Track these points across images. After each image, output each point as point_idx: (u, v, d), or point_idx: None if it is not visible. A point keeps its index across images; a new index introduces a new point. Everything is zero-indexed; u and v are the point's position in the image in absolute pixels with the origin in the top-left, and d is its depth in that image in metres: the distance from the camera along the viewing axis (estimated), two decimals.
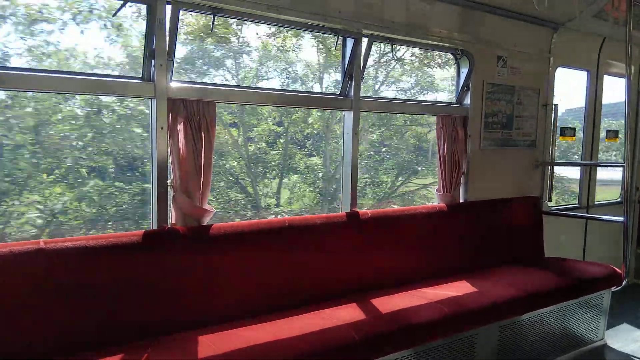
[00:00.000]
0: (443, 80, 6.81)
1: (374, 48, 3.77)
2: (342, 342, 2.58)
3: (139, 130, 4.36)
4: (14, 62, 3.52)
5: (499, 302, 3.28)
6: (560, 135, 5.12)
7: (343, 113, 3.77)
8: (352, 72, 3.63)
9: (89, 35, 3.75)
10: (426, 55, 6.24)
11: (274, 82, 6.18)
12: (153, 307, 2.67)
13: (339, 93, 3.73)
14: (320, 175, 6.58)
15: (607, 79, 5.51)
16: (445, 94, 7.04)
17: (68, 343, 2.42)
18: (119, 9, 2.75)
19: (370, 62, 3.84)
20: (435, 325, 2.94)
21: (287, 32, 5.32)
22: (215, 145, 3.07)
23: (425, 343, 2.94)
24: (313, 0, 3.30)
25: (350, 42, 3.62)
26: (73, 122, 4.00)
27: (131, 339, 2.54)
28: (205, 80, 5.42)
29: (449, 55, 4.35)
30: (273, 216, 6.06)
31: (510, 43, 4.52)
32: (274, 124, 6.21)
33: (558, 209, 5.25)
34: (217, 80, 5.57)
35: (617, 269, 4.06)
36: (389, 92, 6.85)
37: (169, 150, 2.91)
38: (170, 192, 2.95)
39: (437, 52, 5.47)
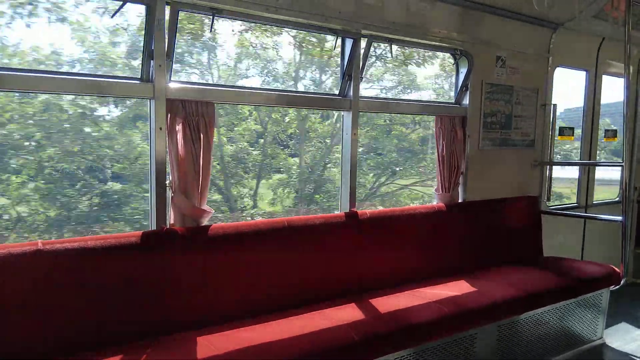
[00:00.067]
0: (427, 79, 6.68)
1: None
2: (341, 342, 2.58)
3: (88, 130, 4.25)
4: None
5: (498, 302, 3.28)
6: (559, 135, 5.12)
7: (342, 113, 3.77)
8: (351, 72, 3.63)
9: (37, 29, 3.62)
10: (403, 52, 6.06)
11: (254, 81, 6.05)
12: (152, 307, 2.67)
13: (337, 93, 3.73)
14: (295, 176, 6.46)
15: (604, 78, 5.51)
16: (429, 93, 6.91)
17: (67, 343, 2.42)
18: (117, 10, 2.74)
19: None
20: (434, 325, 2.94)
21: (263, 27, 5.16)
22: None
23: (424, 343, 2.94)
24: (313, 1, 3.30)
25: (349, 43, 3.62)
26: (22, 120, 3.88)
27: (130, 339, 2.54)
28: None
29: (429, 53, 4.29)
30: (249, 219, 5.95)
31: (509, 43, 4.52)
32: (255, 124, 6.10)
33: (557, 209, 5.26)
34: (184, 77, 5.40)
35: (615, 268, 4.07)
36: (371, 91, 6.69)
37: (167, 150, 2.91)
38: (169, 193, 2.95)
39: (415, 49, 5.32)
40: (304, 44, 5.58)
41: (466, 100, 4.35)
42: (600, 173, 5.78)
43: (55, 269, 2.44)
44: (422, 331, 2.90)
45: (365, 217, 3.60)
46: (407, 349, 2.87)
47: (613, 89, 5.70)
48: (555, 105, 4.96)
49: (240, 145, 5.95)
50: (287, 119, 6.27)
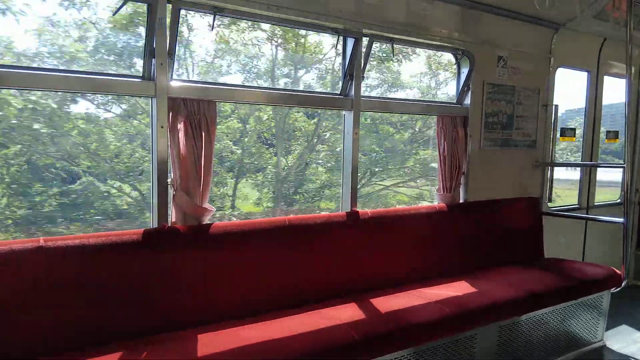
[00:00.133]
0: (412, 77, 6.47)
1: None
2: (341, 342, 2.58)
3: (37, 126, 4.09)
4: None
5: (498, 303, 3.28)
6: (561, 135, 5.11)
7: (343, 113, 3.77)
8: (353, 71, 3.63)
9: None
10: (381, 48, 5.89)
11: (236, 78, 5.86)
12: (152, 305, 2.67)
13: (339, 92, 3.73)
14: (271, 176, 6.31)
15: (606, 79, 5.51)
16: (415, 92, 6.68)
17: (67, 340, 2.42)
18: (119, 8, 2.74)
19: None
20: (435, 325, 2.94)
21: (240, 23, 4.95)
22: None
23: (424, 343, 2.93)
24: (314, 0, 3.30)
25: (350, 42, 3.62)
26: None
27: (130, 337, 2.54)
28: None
29: (408, 50, 4.22)
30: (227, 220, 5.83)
31: (511, 43, 4.51)
32: (238, 122, 5.96)
33: (558, 210, 5.25)
34: None
35: (616, 270, 4.06)
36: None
37: (169, 149, 2.91)
38: (171, 191, 2.95)
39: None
40: (282, 40, 5.44)
41: (467, 100, 4.35)
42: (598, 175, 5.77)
43: (57, 266, 2.44)
44: (422, 331, 2.89)
45: (366, 217, 3.60)
46: (407, 349, 2.86)
47: (614, 90, 5.70)
48: (556, 105, 4.96)
49: (223, 144, 5.81)
50: (265, 116, 6.11)
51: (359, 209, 3.66)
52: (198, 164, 2.94)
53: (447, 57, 5.24)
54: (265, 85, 5.96)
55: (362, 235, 3.55)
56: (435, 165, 6.34)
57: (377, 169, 6.86)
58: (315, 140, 6.39)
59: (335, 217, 3.50)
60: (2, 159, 4.00)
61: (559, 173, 5.51)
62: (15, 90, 3.79)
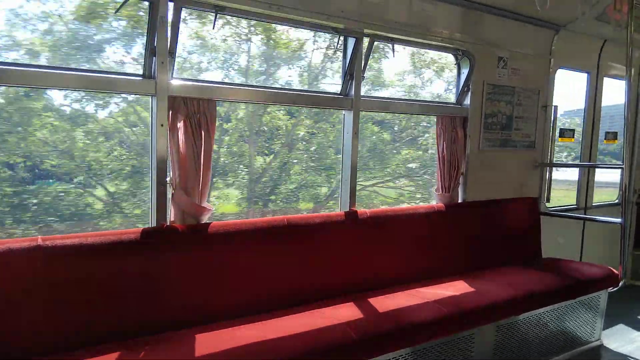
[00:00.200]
0: (396, 75, 6.11)
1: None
2: (340, 341, 2.59)
3: None
4: None
5: (496, 302, 3.29)
6: (560, 136, 5.13)
7: (343, 112, 3.77)
8: (353, 71, 3.63)
9: None
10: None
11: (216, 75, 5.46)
12: (151, 304, 2.67)
13: (339, 92, 3.73)
14: (245, 176, 5.91)
15: (605, 80, 5.52)
16: (398, 91, 6.30)
17: (65, 340, 2.42)
18: (121, 5, 2.74)
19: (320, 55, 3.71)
20: (433, 324, 2.95)
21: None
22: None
23: (423, 342, 2.95)
24: (315, 0, 3.30)
25: (351, 42, 3.62)
26: None
27: (129, 336, 2.55)
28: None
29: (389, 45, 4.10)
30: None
31: (511, 44, 4.52)
32: (220, 121, 5.67)
33: (556, 210, 5.26)
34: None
35: (614, 270, 4.08)
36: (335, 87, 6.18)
37: (168, 147, 2.91)
38: (170, 190, 2.95)
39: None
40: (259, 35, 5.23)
41: (467, 101, 4.36)
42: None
43: (54, 265, 2.44)
44: (420, 331, 2.90)
45: (365, 217, 3.61)
46: (405, 349, 2.88)
47: (612, 91, 5.71)
48: (556, 106, 4.96)
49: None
50: (240, 113, 5.81)
51: (357, 209, 3.68)
52: (197, 163, 2.95)
53: (431, 54, 5.11)
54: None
55: (361, 234, 3.56)
56: (413, 165, 6.27)
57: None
58: (290, 139, 6.21)
59: (334, 217, 3.50)
60: None
61: (561, 174, 5.53)
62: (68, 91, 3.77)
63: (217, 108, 3.08)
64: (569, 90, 5.75)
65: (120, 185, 4.62)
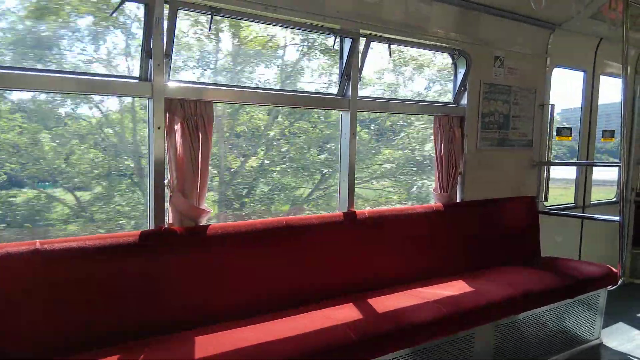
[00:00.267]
0: (375, 73, 5.88)
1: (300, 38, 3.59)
2: (339, 342, 2.58)
3: None
4: None
5: (495, 302, 3.29)
6: (557, 135, 5.14)
7: (340, 113, 3.77)
8: (350, 72, 3.63)
9: None
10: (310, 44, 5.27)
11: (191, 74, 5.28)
12: (150, 307, 2.66)
13: (336, 93, 3.73)
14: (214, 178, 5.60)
15: (602, 79, 5.53)
16: (375, 89, 5.98)
17: (64, 343, 2.42)
18: (117, 7, 2.74)
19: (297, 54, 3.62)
20: (432, 324, 2.94)
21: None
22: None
23: (422, 343, 2.94)
24: (311, 0, 3.30)
25: (347, 42, 3.62)
26: None
27: (128, 338, 2.54)
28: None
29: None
30: None
31: (508, 43, 4.53)
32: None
33: (554, 209, 5.27)
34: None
35: (613, 268, 4.09)
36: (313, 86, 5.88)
37: (166, 150, 2.91)
38: (167, 192, 2.95)
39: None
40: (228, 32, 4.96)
41: (464, 100, 4.36)
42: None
43: (53, 268, 2.43)
44: (420, 331, 2.90)
45: (363, 217, 3.60)
46: (405, 349, 2.87)
47: (608, 89, 5.73)
48: (553, 105, 4.98)
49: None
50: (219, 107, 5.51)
51: (356, 209, 3.67)
52: (195, 165, 2.94)
53: (412, 51, 4.98)
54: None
55: (360, 235, 3.55)
56: (388, 166, 6.17)
57: (325, 170, 6.09)
58: (262, 140, 6.01)
59: (333, 218, 3.50)
60: None
61: (557, 173, 5.54)
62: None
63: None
64: (566, 89, 5.78)
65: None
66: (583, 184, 5.52)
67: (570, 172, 5.70)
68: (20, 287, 2.35)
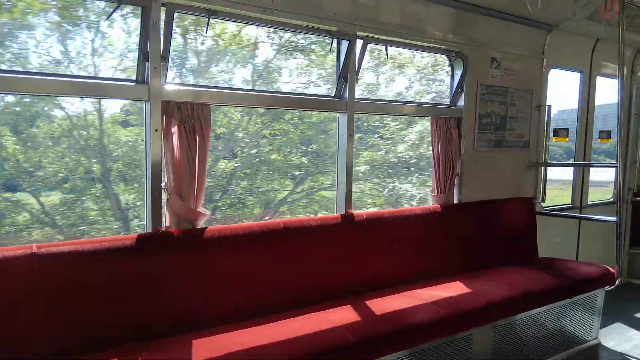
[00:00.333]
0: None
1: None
2: (337, 344, 2.58)
3: None
4: None
5: (493, 303, 3.29)
6: (554, 136, 5.15)
7: (337, 115, 3.77)
8: (347, 74, 3.63)
9: None
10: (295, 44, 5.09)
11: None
12: (148, 310, 2.66)
13: (333, 95, 3.73)
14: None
15: (598, 79, 5.55)
16: (359, 90, 5.74)
17: (62, 346, 2.41)
18: (113, 11, 2.73)
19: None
20: (430, 326, 2.94)
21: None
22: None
23: (420, 344, 2.94)
24: (308, 2, 3.30)
25: (344, 44, 3.62)
26: None
27: (126, 342, 2.53)
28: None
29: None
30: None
31: (504, 44, 4.54)
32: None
33: (551, 210, 5.28)
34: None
35: (610, 268, 4.09)
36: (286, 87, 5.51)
37: (163, 153, 2.90)
38: (164, 195, 2.94)
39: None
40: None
41: (461, 102, 4.37)
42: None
43: (50, 272, 2.42)
44: (418, 332, 2.90)
45: (361, 219, 3.60)
46: (403, 351, 2.87)
47: (606, 90, 5.75)
48: (549, 106, 4.99)
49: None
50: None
51: (353, 211, 3.67)
52: (192, 167, 2.94)
53: (392, 50, 4.80)
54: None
55: (357, 237, 3.55)
56: (362, 168, 6.08)
57: (298, 173, 5.85)
58: (232, 141, 5.75)
59: (330, 220, 3.50)
60: None
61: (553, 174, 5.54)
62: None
63: None
64: (562, 90, 5.79)
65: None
66: (580, 184, 5.53)
67: (567, 173, 5.71)
68: (17, 291, 2.34)
